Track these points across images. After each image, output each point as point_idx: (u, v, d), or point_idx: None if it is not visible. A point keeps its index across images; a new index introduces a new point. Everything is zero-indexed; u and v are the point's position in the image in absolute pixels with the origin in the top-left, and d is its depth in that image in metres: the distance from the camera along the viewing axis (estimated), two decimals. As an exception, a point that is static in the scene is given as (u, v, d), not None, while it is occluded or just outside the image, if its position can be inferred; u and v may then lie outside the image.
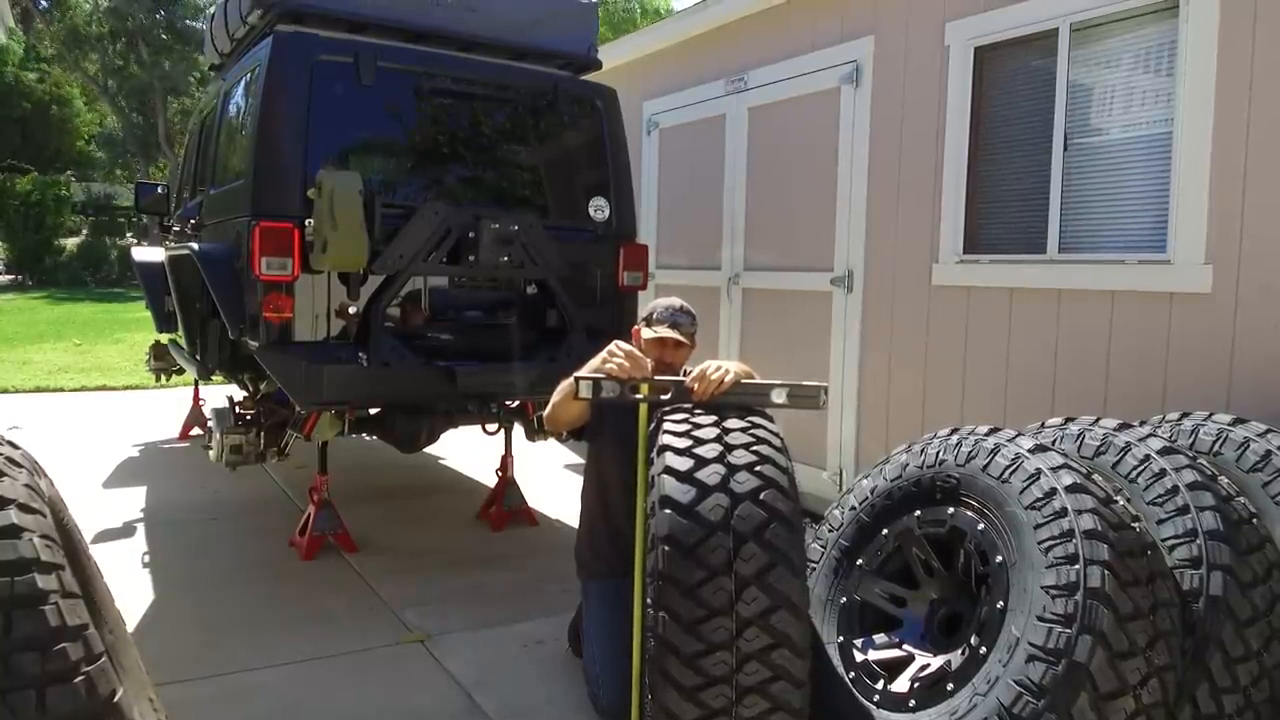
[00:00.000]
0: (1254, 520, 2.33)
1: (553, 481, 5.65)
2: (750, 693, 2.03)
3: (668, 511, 2.12)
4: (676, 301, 3.05)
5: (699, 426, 2.30)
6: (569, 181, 4.62)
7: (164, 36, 24.55)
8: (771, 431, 2.34)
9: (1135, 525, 2.16)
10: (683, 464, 2.18)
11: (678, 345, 2.93)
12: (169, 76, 24.44)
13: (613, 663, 2.65)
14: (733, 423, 2.33)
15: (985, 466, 2.31)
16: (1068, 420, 2.73)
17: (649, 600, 2.14)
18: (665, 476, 2.18)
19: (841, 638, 2.50)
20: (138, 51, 24.51)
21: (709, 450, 2.22)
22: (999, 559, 2.21)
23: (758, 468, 2.18)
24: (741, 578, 2.04)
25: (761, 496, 2.14)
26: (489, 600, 3.75)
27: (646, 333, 2.95)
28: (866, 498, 2.66)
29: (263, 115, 3.81)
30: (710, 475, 2.17)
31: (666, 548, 2.08)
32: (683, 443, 2.23)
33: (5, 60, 25.89)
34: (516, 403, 4.63)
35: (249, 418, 4.27)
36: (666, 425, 2.33)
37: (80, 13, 25.13)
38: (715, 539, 2.07)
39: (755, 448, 2.24)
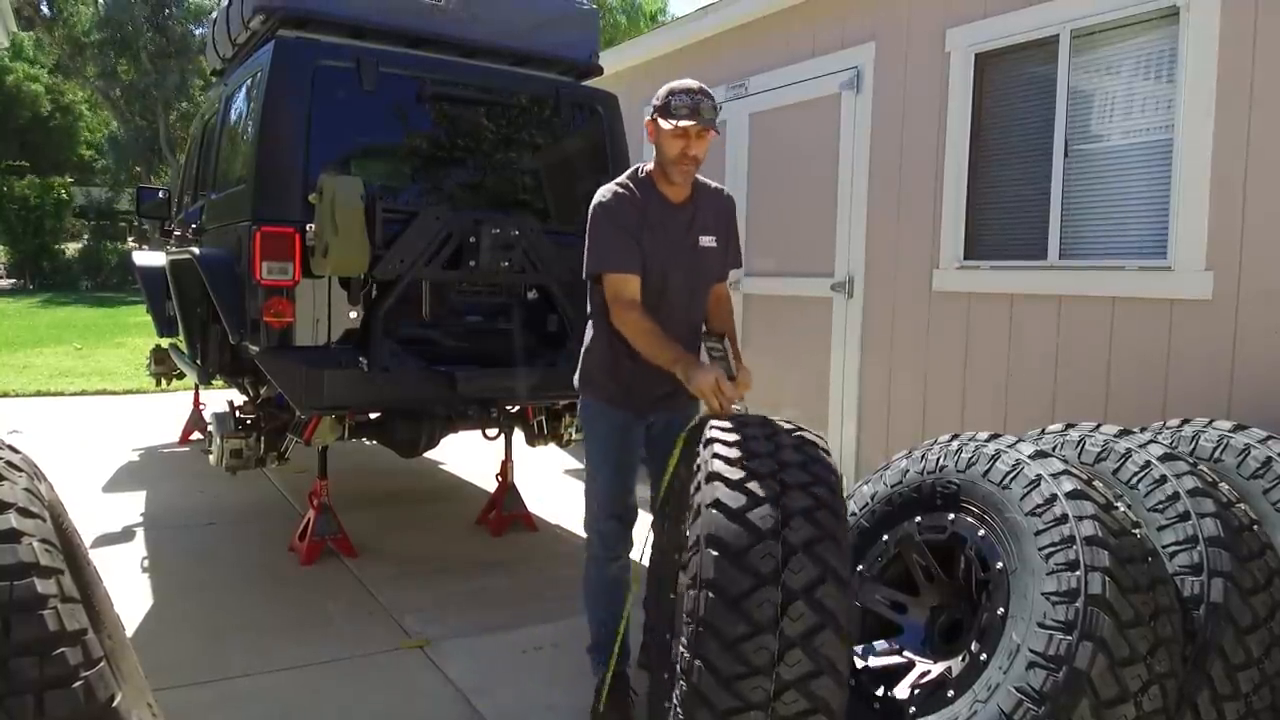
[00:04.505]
0: (1255, 527, 2.32)
1: (553, 487, 5.64)
2: None
3: (713, 547, 2.00)
4: (692, 83, 2.64)
5: (751, 442, 2.21)
6: (570, 187, 4.62)
7: (162, 40, 24.58)
8: (824, 450, 2.27)
9: (1136, 531, 2.16)
10: (734, 474, 2.10)
11: (700, 134, 2.61)
12: (166, 82, 24.46)
13: (618, 479, 2.77)
14: (784, 438, 2.24)
15: (986, 472, 2.31)
16: (1068, 426, 2.73)
17: (686, 618, 2.05)
18: (714, 484, 2.08)
19: (842, 644, 2.49)
20: (136, 57, 24.55)
21: (762, 466, 2.13)
22: (999, 565, 2.20)
23: (812, 488, 2.10)
24: (790, 590, 1.96)
25: (816, 516, 2.06)
26: (489, 606, 3.74)
27: (665, 124, 2.60)
28: (867, 503, 2.66)
29: (264, 120, 3.82)
30: (761, 488, 2.08)
31: (712, 551, 1.98)
32: (735, 472, 2.12)
33: (7, 71, 25.98)
34: (516, 407, 4.63)
35: (249, 422, 4.27)
36: (716, 436, 2.21)
37: (80, 19, 25.19)
38: (764, 546, 1.99)
39: (811, 467, 2.16)
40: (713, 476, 2.10)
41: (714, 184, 2.85)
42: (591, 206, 2.70)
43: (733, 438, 2.20)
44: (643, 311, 2.60)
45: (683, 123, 2.55)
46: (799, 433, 2.28)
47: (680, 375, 2.50)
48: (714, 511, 2.03)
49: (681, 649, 2.04)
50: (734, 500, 2.04)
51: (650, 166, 2.72)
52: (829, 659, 1.94)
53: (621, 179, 2.73)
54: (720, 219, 2.82)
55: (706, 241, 2.76)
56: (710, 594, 1.95)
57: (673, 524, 2.52)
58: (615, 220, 2.64)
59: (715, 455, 2.15)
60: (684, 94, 2.59)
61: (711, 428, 2.27)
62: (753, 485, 2.07)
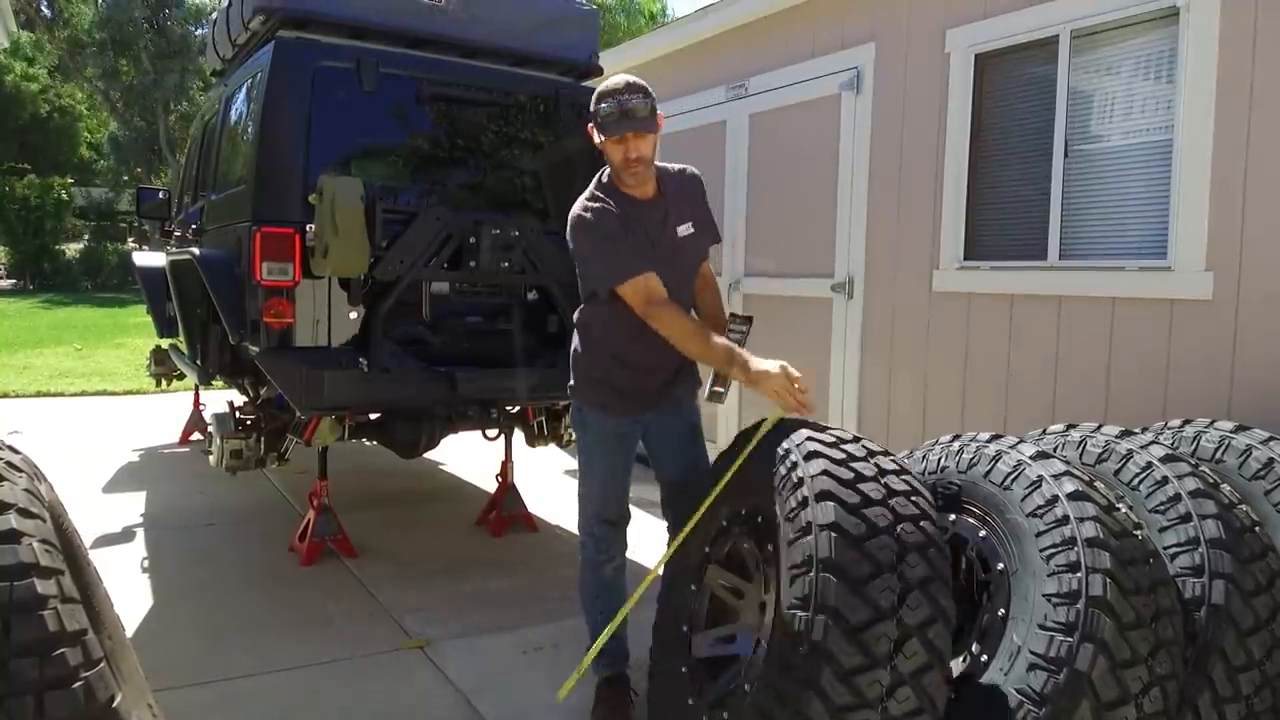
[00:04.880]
0: (1256, 528, 2.32)
1: (553, 487, 5.64)
2: None
3: (833, 573, 1.96)
4: (619, 82, 2.51)
5: (856, 462, 2.17)
6: (570, 187, 4.58)
7: (162, 40, 24.59)
8: (918, 477, 2.27)
9: (1137, 533, 2.15)
10: (850, 497, 2.07)
11: (639, 135, 2.50)
12: (166, 83, 24.46)
13: (611, 484, 2.77)
14: (884, 461, 2.23)
15: (987, 473, 2.30)
16: (1069, 427, 2.72)
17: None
18: (826, 504, 2.04)
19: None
20: (137, 58, 24.56)
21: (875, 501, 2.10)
22: (1000, 566, 2.20)
23: (921, 523, 2.09)
24: (905, 626, 1.94)
25: (929, 554, 2.05)
26: (489, 606, 3.74)
27: (599, 138, 2.54)
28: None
29: (264, 121, 3.82)
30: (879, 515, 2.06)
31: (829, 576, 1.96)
32: (850, 495, 2.08)
33: (5, 71, 26.00)
34: (516, 408, 4.63)
35: (249, 423, 4.27)
36: (822, 451, 2.17)
37: (82, 20, 25.20)
38: (885, 579, 1.97)
39: (916, 499, 2.14)
40: (825, 496, 2.06)
41: (675, 166, 2.76)
42: (571, 228, 2.63)
43: (840, 455, 2.17)
44: (679, 309, 2.54)
45: (613, 136, 2.49)
46: (890, 456, 2.27)
47: (740, 376, 2.44)
48: (833, 535, 1.99)
49: (776, 668, 2.00)
50: (853, 526, 2.00)
51: (610, 171, 2.67)
52: (932, 699, 1.94)
53: (590, 191, 2.67)
54: (690, 201, 2.74)
55: (684, 230, 2.70)
56: (830, 621, 1.91)
57: (709, 518, 2.51)
58: (605, 232, 2.59)
59: (825, 473, 2.11)
60: (610, 99, 2.48)
61: (810, 439, 2.22)
62: (869, 512, 2.04)
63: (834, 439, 2.25)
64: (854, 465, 2.15)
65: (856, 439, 2.29)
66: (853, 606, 1.92)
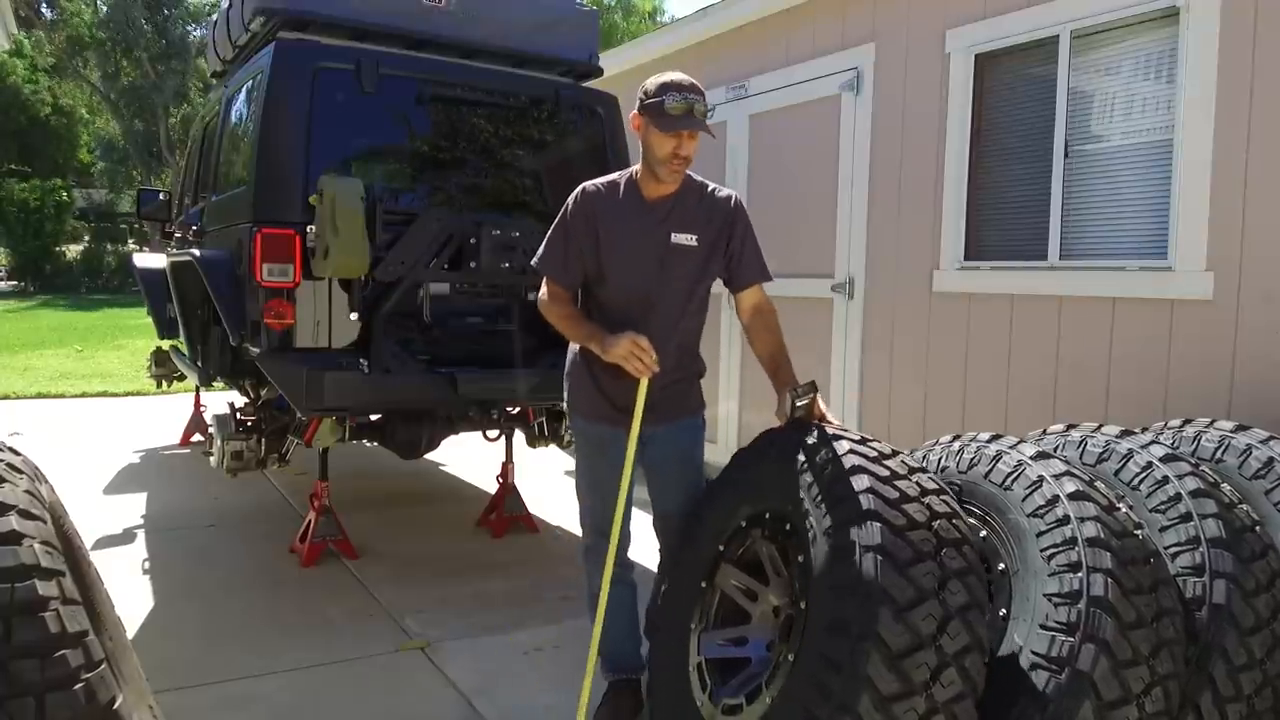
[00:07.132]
0: (1256, 528, 2.32)
1: (553, 488, 5.64)
2: None
3: (878, 599, 1.92)
4: (683, 79, 2.48)
5: (899, 481, 2.13)
6: (571, 188, 4.60)
7: (160, 41, 24.61)
8: (955, 499, 2.23)
9: (1138, 533, 2.15)
10: (896, 518, 2.03)
11: (693, 136, 2.48)
12: (166, 85, 24.48)
13: (595, 495, 2.74)
14: (925, 481, 2.18)
15: (988, 473, 2.30)
16: (1070, 427, 2.72)
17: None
18: (872, 524, 2.00)
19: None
20: (137, 59, 24.59)
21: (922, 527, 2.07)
22: (1001, 566, 2.20)
23: (963, 548, 2.06)
24: (944, 654, 1.92)
25: (968, 581, 2.01)
26: (490, 607, 3.74)
27: (658, 128, 2.46)
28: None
29: (264, 122, 3.82)
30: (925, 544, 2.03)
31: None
32: (896, 516, 2.04)
33: (6, 73, 26.04)
34: (517, 409, 4.63)
35: (250, 424, 4.27)
36: (864, 467, 2.12)
37: (81, 20, 25.24)
38: (927, 606, 1.94)
39: (957, 522, 2.11)
40: (870, 515, 2.01)
41: (713, 186, 2.68)
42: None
43: (883, 471, 2.13)
44: (562, 307, 2.63)
45: (670, 131, 2.44)
46: (929, 474, 2.24)
47: (596, 349, 2.51)
48: (879, 558, 1.96)
49: (808, 688, 1.97)
50: (899, 550, 1.97)
51: (639, 167, 2.62)
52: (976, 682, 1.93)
53: (610, 176, 2.67)
54: (711, 220, 2.63)
55: (681, 239, 2.59)
56: (872, 648, 1.89)
57: (725, 516, 2.50)
58: (566, 227, 2.65)
59: (870, 490, 2.06)
60: (677, 92, 2.43)
61: (852, 452, 2.17)
62: (913, 535, 2.01)
63: (876, 453, 2.19)
64: (898, 484, 2.10)
65: (895, 453, 2.24)
66: (895, 634, 1.89)
